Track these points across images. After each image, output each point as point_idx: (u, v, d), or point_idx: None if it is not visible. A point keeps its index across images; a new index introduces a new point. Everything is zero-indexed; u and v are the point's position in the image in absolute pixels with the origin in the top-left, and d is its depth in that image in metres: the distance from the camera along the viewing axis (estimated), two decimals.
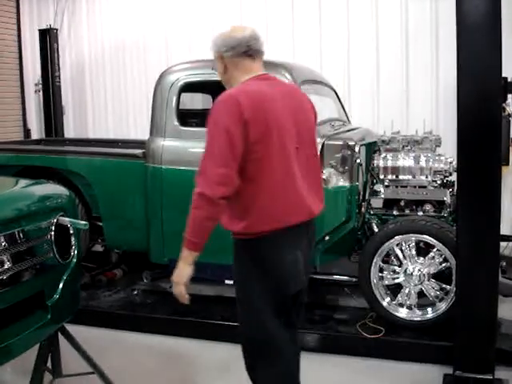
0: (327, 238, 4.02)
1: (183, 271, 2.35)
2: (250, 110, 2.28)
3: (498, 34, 3.01)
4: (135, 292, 4.83)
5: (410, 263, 3.91)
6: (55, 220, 2.76)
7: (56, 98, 7.48)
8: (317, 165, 2.64)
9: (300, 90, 2.92)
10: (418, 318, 3.91)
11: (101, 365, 3.05)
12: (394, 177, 4.29)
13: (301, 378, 2.61)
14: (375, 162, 4.35)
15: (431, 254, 3.88)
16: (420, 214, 4.13)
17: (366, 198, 4.32)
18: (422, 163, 4.23)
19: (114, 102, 7.65)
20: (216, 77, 2.64)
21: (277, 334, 2.48)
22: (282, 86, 2.59)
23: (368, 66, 6.37)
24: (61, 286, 2.81)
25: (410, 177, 4.26)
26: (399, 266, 3.95)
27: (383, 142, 4.49)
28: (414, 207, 4.21)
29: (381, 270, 3.97)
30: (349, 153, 4.01)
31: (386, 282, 3.98)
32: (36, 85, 7.93)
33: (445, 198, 4.13)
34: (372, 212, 4.25)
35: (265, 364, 2.51)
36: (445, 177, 4.25)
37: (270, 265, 2.40)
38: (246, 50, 2.43)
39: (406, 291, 3.94)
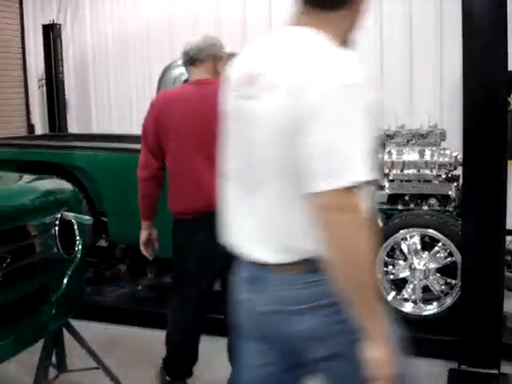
0: None
1: (141, 234, 3.08)
2: (158, 109, 2.86)
3: (504, 26, 2.99)
4: (139, 287, 4.83)
5: (414, 258, 3.90)
6: (59, 215, 2.76)
7: (59, 93, 7.47)
8: None
9: None
10: (423, 313, 3.90)
11: (105, 360, 3.06)
12: (399, 171, 4.27)
13: None
14: (380, 156, 4.33)
15: (436, 248, 3.87)
16: (425, 208, 4.12)
17: None
18: (427, 157, 4.20)
19: (117, 96, 7.63)
20: None
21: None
22: (212, 89, 2.68)
23: (371, 59, 6.31)
24: (65, 281, 2.81)
25: (415, 171, 4.23)
26: (404, 261, 3.94)
27: (388, 136, 4.47)
28: (419, 201, 4.18)
29: (385, 265, 3.97)
30: None
31: (391, 277, 3.97)
32: (39, 80, 7.91)
33: (450, 193, 4.10)
34: (376, 206, 4.23)
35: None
36: (450, 171, 4.22)
37: (181, 242, 2.98)
38: (187, 59, 2.88)
39: (411, 286, 3.93)
